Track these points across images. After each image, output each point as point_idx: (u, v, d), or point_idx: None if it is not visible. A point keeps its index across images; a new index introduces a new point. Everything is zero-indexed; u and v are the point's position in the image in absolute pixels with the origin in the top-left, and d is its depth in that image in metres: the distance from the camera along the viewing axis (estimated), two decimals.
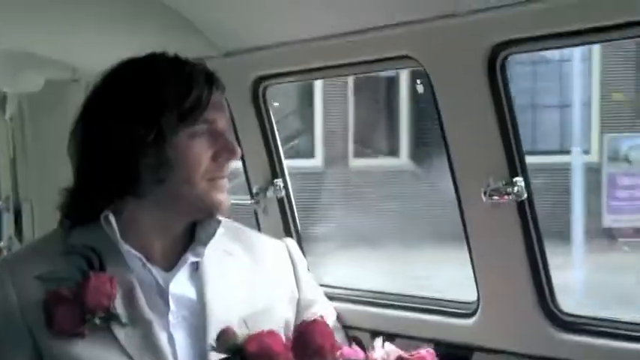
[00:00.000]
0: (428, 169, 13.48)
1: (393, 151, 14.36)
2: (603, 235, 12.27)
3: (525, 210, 2.39)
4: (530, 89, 13.45)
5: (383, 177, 13.50)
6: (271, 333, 1.92)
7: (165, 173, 2.10)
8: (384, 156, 14.22)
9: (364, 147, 14.35)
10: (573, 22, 2.15)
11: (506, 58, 2.34)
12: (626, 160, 12.80)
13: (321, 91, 13.85)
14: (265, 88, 3.06)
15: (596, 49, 12.51)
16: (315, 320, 1.88)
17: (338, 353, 1.86)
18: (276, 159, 3.11)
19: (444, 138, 2.50)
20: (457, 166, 2.48)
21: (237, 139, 3.07)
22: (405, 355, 1.90)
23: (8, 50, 3.37)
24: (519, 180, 2.37)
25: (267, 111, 3.08)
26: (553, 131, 13.89)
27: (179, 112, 2.10)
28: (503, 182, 2.37)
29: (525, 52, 2.44)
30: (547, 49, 2.40)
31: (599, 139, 13.27)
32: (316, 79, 3.06)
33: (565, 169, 12.66)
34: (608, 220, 12.53)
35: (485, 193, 2.38)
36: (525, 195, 2.37)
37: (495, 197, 2.37)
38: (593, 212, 12.28)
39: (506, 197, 2.36)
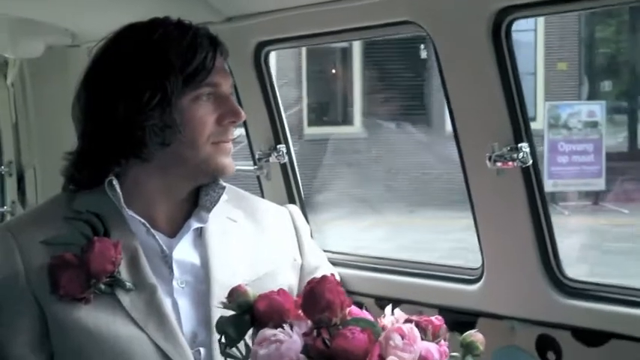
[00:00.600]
0: (381, 136, 13.73)
1: (347, 120, 14.60)
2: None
3: (530, 176, 2.39)
4: None
5: (338, 144, 13.73)
6: (282, 292, 1.91)
7: (170, 136, 2.10)
8: (338, 124, 14.48)
9: (318, 116, 14.59)
10: None
11: (511, 22, 2.33)
12: (566, 127, 13.47)
13: (275, 61, 14.10)
14: (267, 54, 3.04)
15: (540, 21, 12.68)
16: (325, 277, 1.87)
17: (347, 310, 1.85)
18: (278, 124, 3.10)
19: (449, 104, 2.49)
20: (461, 132, 2.48)
21: (240, 104, 3.06)
22: (413, 317, 1.89)
23: (8, 16, 3.35)
24: (524, 145, 2.36)
25: (270, 76, 3.07)
26: None
27: (184, 75, 2.09)
28: (508, 148, 2.36)
29: (530, 16, 2.42)
30: (552, 13, 2.38)
31: (543, 106, 13.90)
32: (318, 44, 3.05)
33: None
34: (549, 185, 13.02)
35: (489, 158, 2.37)
36: (530, 161, 2.36)
37: (500, 163, 2.37)
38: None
39: (511, 163, 2.36)
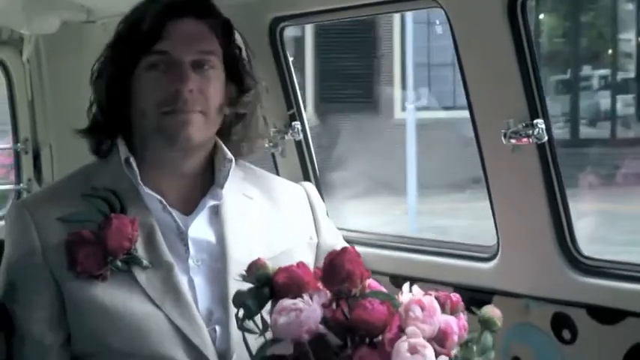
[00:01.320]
0: (332, 123, 14.07)
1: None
2: (481, 184, 13.16)
3: (546, 152, 2.38)
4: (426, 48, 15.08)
5: None
6: (302, 265, 1.91)
7: (129, 106, 2.13)
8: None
9: None
10: None
11: None
12: None
13: None
14: (282, 30, 3.03)
15: None
16: (345, 248, 1.88)
17: (367, 283, 1.85)
18: (293, 101, 3.09)
19: (464, 80, 2.48)
20: (476, 109, 2.47)
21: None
22: (431, 292, 1.89)
23: None
24: (540, 122, 2.35)
25: (285, 52, 3.06)
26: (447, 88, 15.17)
27: (132, 45, 2.11)
28: (524, 124, 2.35)
29: None
30: None
31: None
32: (334, 19, 3.01)
33: (455, 124, 13.96)
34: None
35: (505, 135, 2.36)
36: (546, 137, 2.35)
37: (515, 140, 2.36)
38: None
39: (526, 139, 2.35)
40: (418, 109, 14.81)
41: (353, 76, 14.81)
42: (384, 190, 12.66)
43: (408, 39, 14.51)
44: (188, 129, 2.10)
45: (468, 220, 11.77)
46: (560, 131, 14.19)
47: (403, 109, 15.10)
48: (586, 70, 14.84)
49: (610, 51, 14.84)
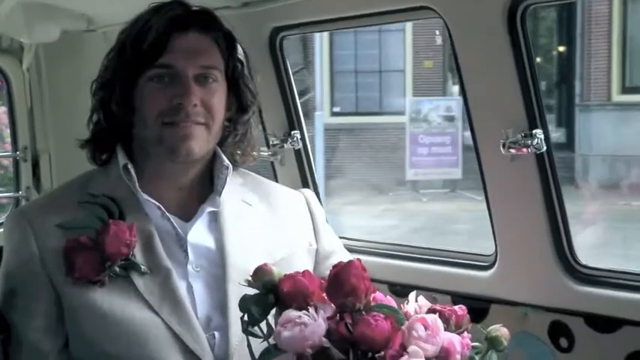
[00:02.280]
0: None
1: None
2: (406, 187, 14.67)
3: (544, 162, 2.38)
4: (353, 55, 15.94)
5: None
6: (307, 273, 1.91)
7: (130, 116, 2.14)
8: None
9: None
10: None
11: (526, 9, 2.32)
12: (426, 120, 15.01)
13: None
14: (282, 39, 3.04)
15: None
16: (351, 262, 1.87)
17: (371, 297, 1.85)
18: (293, 110, 3.10)
19: (463, 89, 2.48)
20: (476, 118, 2.48)
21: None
22: (437, 307, 1.88)
23: (24, 1, 3.35)
24: (539, 132, 2.36)
25: (285, 62, 3.07)
26: (372, 94, 16.24)
27: (136, 56, 2.11)
28: (523, 134, 2.36)
29: (545, 3, 2.42)
30: (567, 0, 2.38)
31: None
32: (334, 29, 3.02)
33: (381, 129, 15.47)
34: (410, 174, 14.80)
35: (504, 145, 2.37)
36: (544, 147, 2.36)
37: (514, 149, 2.36)
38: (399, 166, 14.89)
39: (525, 149, 2.36)
40: (345, 114, 15.75)
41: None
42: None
43: (322, 48, 15.37)
44: (189, 142, 2.11)
45: (389, 220, 12.38)
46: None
47: (331, 114, 15.76)
48: None
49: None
